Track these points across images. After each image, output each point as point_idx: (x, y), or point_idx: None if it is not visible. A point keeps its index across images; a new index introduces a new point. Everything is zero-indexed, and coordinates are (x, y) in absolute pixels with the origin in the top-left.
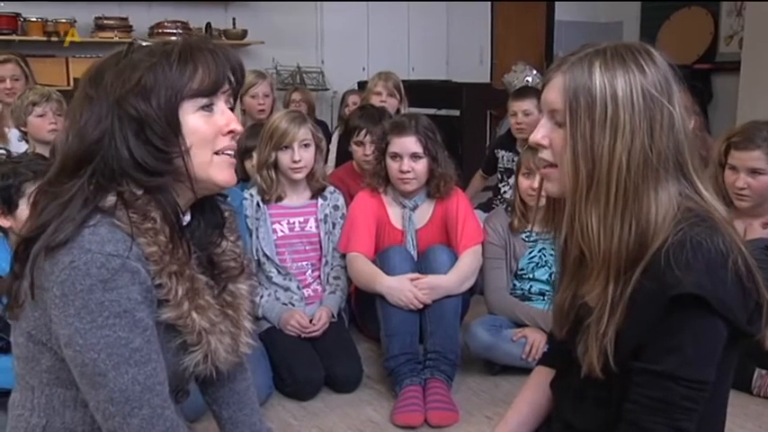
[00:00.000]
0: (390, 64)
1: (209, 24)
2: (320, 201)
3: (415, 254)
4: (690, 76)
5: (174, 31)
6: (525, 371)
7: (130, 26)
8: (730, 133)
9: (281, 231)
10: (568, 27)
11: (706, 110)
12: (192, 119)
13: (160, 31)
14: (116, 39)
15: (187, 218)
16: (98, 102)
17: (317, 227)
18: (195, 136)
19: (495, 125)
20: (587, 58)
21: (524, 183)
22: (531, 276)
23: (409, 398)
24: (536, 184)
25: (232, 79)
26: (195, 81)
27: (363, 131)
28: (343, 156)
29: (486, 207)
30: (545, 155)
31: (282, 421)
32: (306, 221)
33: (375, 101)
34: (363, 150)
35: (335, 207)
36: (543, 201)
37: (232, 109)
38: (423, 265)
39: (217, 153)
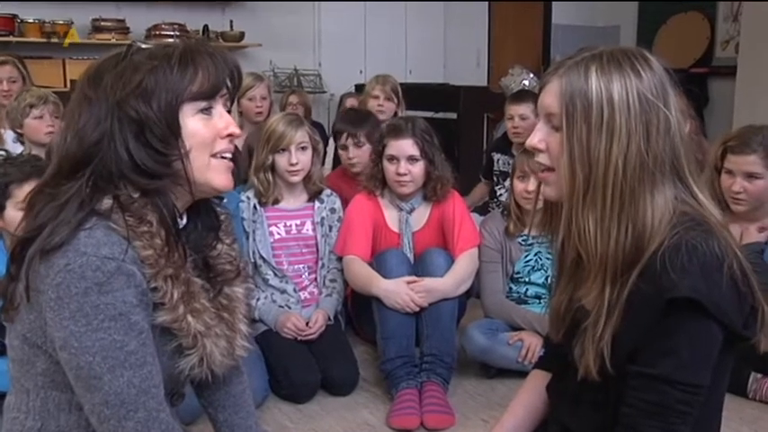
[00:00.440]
0: (387, 67)
1: (206, 27)
2: (317, 203)
3: (411, 257)
4: (686, 80)
5: (172, 33)
6: (521, 374)
7: (127, 28)
8: (726, 137)
9: (278, 234)
10: (565, 31)
11: (702, 114)
12: (192, 122)
13: (157, 33)
14: (113, 40)
15: (183, 221)
16: (97, 103)
17: (314, 229)
18: (194, 139)
19: (492, 128)
20: (584, 62)
21: (519, 186)
22: (527, 280)
23: (405, 401)
24: (531, 188)
25: (229, 83)
26: (195, 84)
27: (345, 135)
28: (340, 159)
29: (482, 210)
30: (542, 159)
31: (278, 424)
32: (302, 224)
33: (372, 104)
34: (347, 154)
35: (332, 210)
36: (540, 204)
37: (229, 111)
38: (419, 267)
39: (214, 156)
